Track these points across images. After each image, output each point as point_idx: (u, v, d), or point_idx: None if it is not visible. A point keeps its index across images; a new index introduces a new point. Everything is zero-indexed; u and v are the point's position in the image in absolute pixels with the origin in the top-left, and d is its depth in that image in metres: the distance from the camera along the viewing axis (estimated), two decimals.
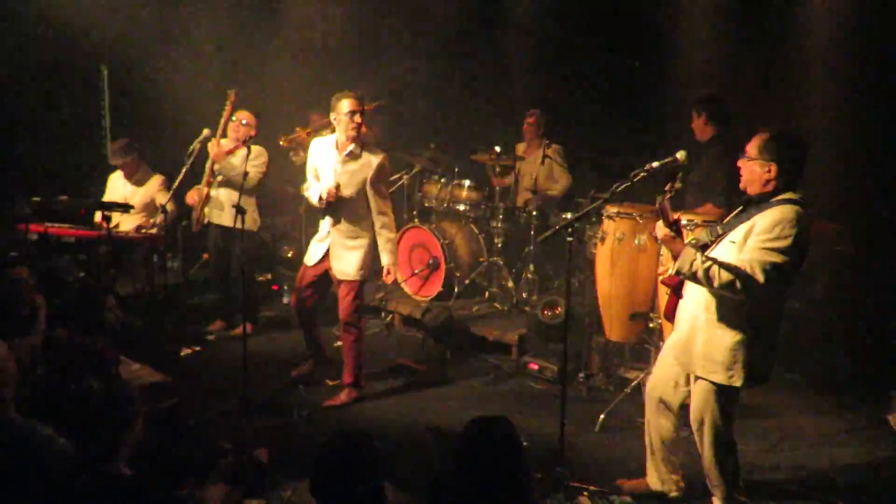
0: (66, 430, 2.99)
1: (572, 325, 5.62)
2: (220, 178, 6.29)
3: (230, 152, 6.25)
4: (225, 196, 6.32)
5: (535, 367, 5.76)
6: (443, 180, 7.31)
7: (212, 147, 6.20)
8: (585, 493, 3.98)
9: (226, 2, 9.20)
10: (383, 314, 7.03)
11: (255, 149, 6.11)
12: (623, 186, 3.88)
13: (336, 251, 5.15)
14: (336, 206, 5.05)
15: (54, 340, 4.27)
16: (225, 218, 6.30)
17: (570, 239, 3.88)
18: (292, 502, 3.25)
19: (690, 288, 3.57)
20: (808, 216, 3.33)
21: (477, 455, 2.45)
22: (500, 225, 6.97)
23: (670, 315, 3.76)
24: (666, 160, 3.73)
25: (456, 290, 6.86)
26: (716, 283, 3.26)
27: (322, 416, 5.00)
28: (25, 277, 4.77)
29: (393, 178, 8.08)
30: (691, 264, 3.30)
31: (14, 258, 5.75)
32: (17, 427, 2.98)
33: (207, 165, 6.29)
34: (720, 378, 3.45)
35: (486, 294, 7.00)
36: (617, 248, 5.13)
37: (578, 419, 4.95)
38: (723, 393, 3.51)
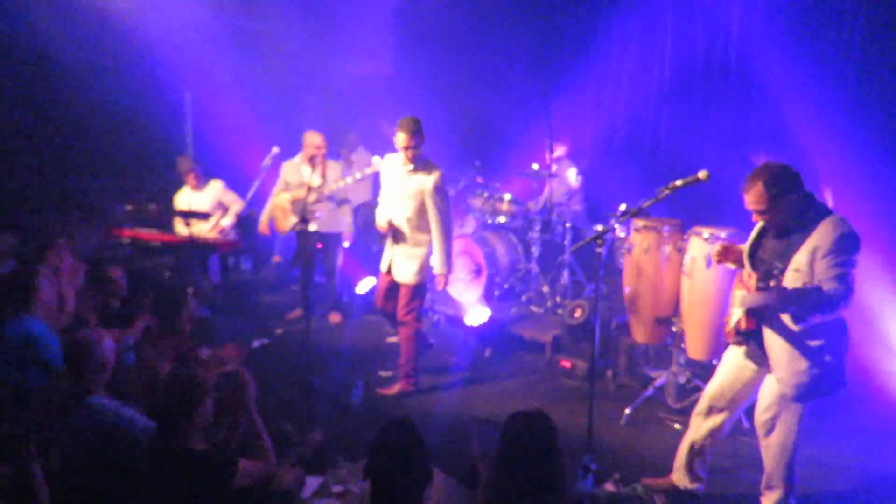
0: (147, 410, 3.10)
1: (602, 328, 5.60)
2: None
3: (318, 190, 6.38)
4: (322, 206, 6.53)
5: (568, 364, 5.73)
6: (485, 195, 7.34)
7: (316, 185, 6.38)
8: (611, 480, 3.96)
9: (291, 41, 9.41)
10: (430, 314, 7.07)
11: (334, 169, 6.52)
12: (649, 202, 3.85)
13: (397, 259, 5.17)
14: (397, 219, 5.09)
15: (144, 332, 4.40)
16: (322, 224, 6.50)
17: (598, 249, 3.85)
18: (347, 481, 3.29)
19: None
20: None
21: (518, 443, 2.47)
22: (537, 235, 6.97)
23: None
24: (689, 179, 3.69)
25: (496, 293, 6.87)
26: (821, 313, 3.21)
27: (377, 404, 5.04)
28: (117, 276, 4.93)
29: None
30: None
31: (108, 259, 5.94)
32: (108, 408, 3.10)
33: (297, 195, 6.41)
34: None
35: (524, 298, 6.99)
36: (643, 258, 5.07)
37: (606, 413, 4.92)
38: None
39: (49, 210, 8.37)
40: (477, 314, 6.36)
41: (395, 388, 5.27)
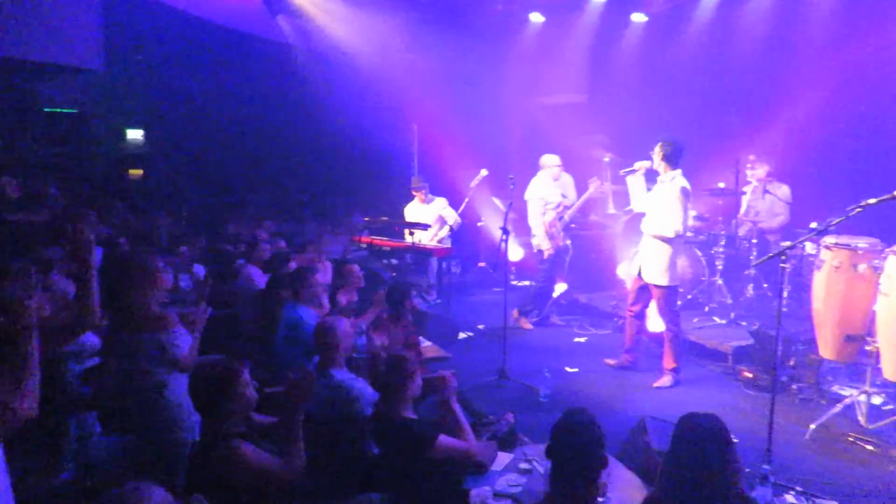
0: (371, 382, 3.35)
1: (789, 342, 5.07)
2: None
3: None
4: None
5: (749, 374, 5.25)
6: None
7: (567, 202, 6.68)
8: (792, 492, 3.56)
9: (493, 79, 9.59)
10: (615, 318, 6.86)
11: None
12: (838, 220, 3.43)
13: (645, 259, 5.20)
14: (650, 224, 5.15)
15: (374, 320, 4.74)
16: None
17: (783, 265, 3.50)
18: (532, 460, 3.30)
19: None
20: None
21: (687, 442, 2.33)
22: (721, 250, 6.47)
23: None
24: (884, 197, 3.24)
25: (679, 303, 6.47)
26: None
27: (561, 394, 5.00)
28: (357, 274, 5.37)
29: (628, 208, 7.89)
30: None
31: (349, 259, 6.53)
32: (344, 379, 3.40)
33: (578, 204, 6.69)
34: None
35: (706, 308, 6.52)
36: (833, 275, 4.49)
37: (789, 426, 4.44)
38: None
39: (309, 219, 9.44)
40: (658, 321, 6.04)
41: (661, 382, 5.25)
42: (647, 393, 5.14)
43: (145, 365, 3.15)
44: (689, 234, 6.71)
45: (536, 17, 9.11)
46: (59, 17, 7.87)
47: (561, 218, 6.58)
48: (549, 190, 6.60)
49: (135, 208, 7.66)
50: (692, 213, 6.74)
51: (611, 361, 5.61)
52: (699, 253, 6.64)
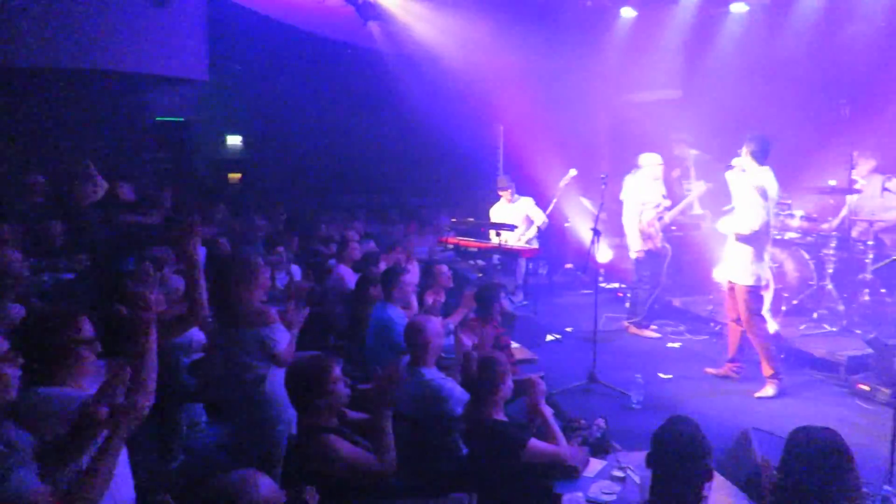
0: (462, 382, 3.34)
1: None
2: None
3: None
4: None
5: (867, 388, 4.85)
6: (774, 211, 6.54)
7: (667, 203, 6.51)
8: None
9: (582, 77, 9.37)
10: (712, 324, 6.53)
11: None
12: None
13: (728, 258, 5.02)
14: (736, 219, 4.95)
15: (461, 321, 4.72)
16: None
17: None
18: (627, 467, 3.18)
19: None
20: None
21: (802, 460, 2.17)
22: (832, 252, 6.01)
23: None
24: None
25: (783, 308, 6.08)
26: None
27: (654, 402, 4.81)
28: (445, 274, 5.40)
29: (728, 206, 7.49)
30: None
31: (436, 259, 6.59)
32: (434, 378, 3.42)
33: (681, 206, 6.57)
34: None
35: (815, 315, 6.07)
36: None
37: None
38: None
39: (396, 220, 9.61)
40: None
41: (763, 391, 4.96)
42: (748, 402, 4.86)
43: (246, 359, 3.29)
44: (794, 235, 6.32)
45: (628, 12, 8.83)
46: (169, 33, 8.42)
47: (660, 218, 6.34)
48: (647, 190, 6.37)
49: (234, 210, 8.07)
50: (798, 212, 6.33)
51: (712, 371, 5.32)
52: (806, 255, 6.20)
